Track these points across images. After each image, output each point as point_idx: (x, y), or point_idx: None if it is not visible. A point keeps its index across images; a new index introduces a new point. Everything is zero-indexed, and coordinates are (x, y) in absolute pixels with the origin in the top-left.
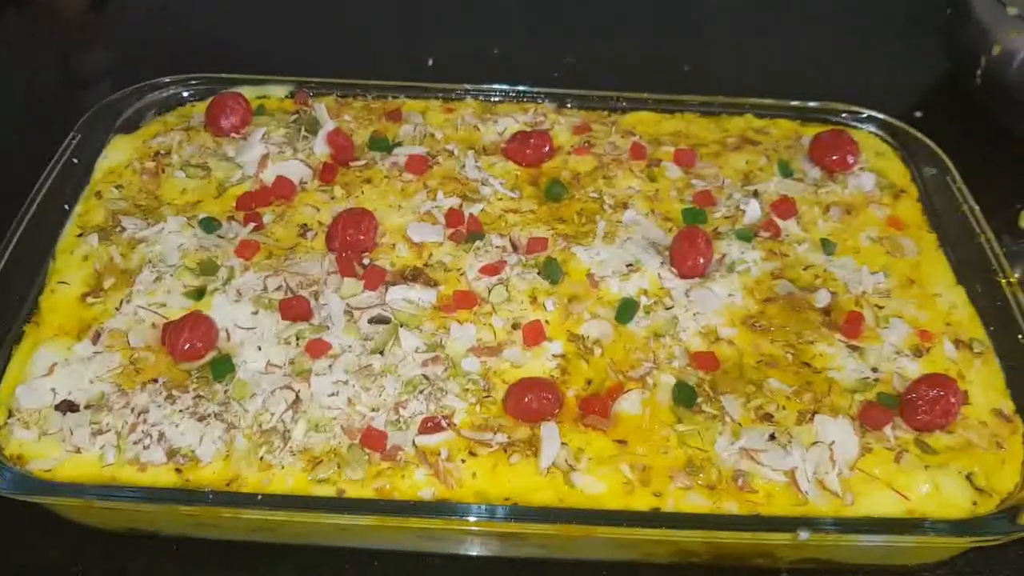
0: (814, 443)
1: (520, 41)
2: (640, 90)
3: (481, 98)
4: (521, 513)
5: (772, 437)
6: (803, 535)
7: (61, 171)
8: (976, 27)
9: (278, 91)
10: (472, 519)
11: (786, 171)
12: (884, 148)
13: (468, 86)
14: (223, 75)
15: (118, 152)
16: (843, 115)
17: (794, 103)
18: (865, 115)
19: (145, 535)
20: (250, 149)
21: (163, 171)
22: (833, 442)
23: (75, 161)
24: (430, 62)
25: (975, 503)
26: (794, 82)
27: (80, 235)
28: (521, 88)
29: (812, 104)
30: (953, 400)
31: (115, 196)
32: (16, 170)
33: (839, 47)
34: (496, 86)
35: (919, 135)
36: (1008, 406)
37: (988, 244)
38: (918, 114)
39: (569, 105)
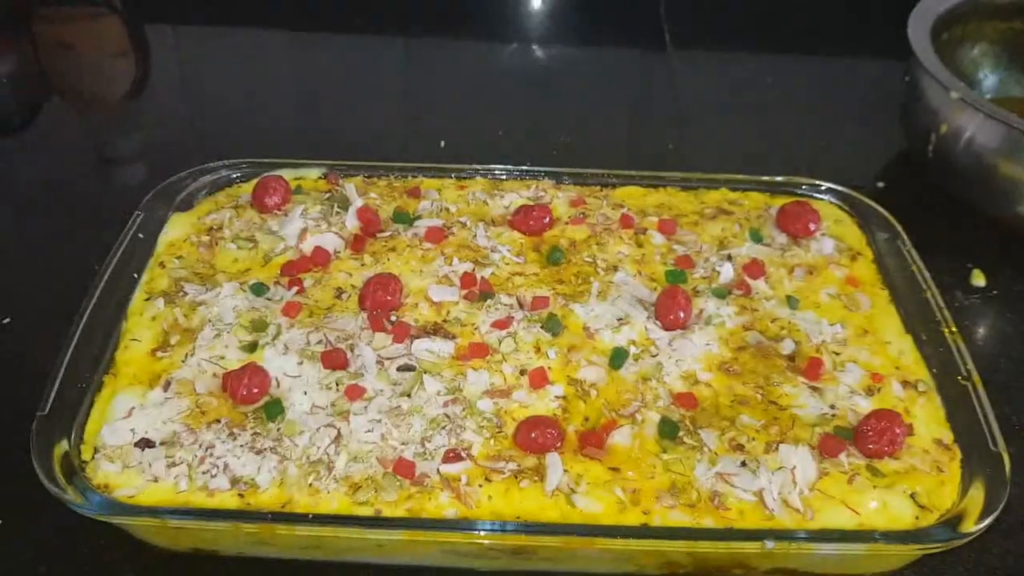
0: (779, 468)
1: (521, 123)
2: (628, 165)
3: (489, 176)
4: (530, 528)
5: (743, 464)
6: (769, 544)
7: (128, 245)
8: (926, 109)
9: (313, 173)
10: (488, 532)
11: (756, 237)
12: (842, 216)
13: (478, 166)
14: (266, 160)
15: (176, 228)
16: (804, 187)
17: (764, 178)
18: (824, 187)
19: (207, 554)
20: (291, 223)
21: (217, 244)
22: (795, 467)
23: (140, 236)
24: (442, 144)
25: (917, 518)
26: (770, 159)
27: (147, 299)
28: (524, 168)
29: (779, 179)
30: (898, 431)
31: (176, 266)
32: (79, 246)
33: (810, 127)
34: (502, 166)
35: (873, 204)
36: (948, 436)
37: (933, 299)
38: (881, 184)
39: (566, 181)
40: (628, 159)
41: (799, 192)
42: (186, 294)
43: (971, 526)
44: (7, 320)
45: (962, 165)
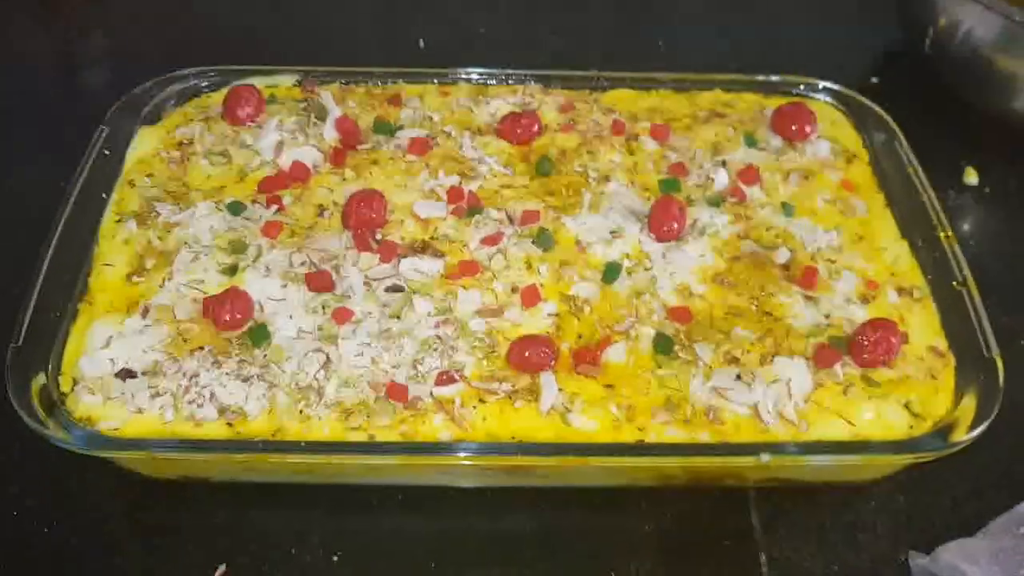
0: (774, 380)
1: (504, 19)
2: (618, 64)
3: (474, 81)
4: (526, 448)
5: (738, 377)
6: (765, 458)
7: (95, 162)
8: (924, 2)
9: (286, 80)
10: (484, 455)
11: (751, 142)
12: (838, 116)
13: (461, 70)
14: (236, 67)
15: (145, 143)
16: (801, 87)
17: (758, 78)
18: (820, 86)
19: (197, 480)
20: (266, 136)
21: (188, 159)
22: (790, 379)
23: (107, 153)
24: (421, 44)
25: (911, 427)
26: (762, 54)
27: (119, 221)
28: (510, 71)
29: (774, 78)
30: (894, 340)
31: (147, 184)
32: (42, 161)
33: (802, 19)
34: (486, 69)
35: (869, 103)
36: (942, 343)
37: (929, 202)
38: (875, 80)
39: (555, 85)
40: (617, 59)
41: (795, 92)
42: (159, 214)
43: (963, 435)
44: None
45: (959, 59)
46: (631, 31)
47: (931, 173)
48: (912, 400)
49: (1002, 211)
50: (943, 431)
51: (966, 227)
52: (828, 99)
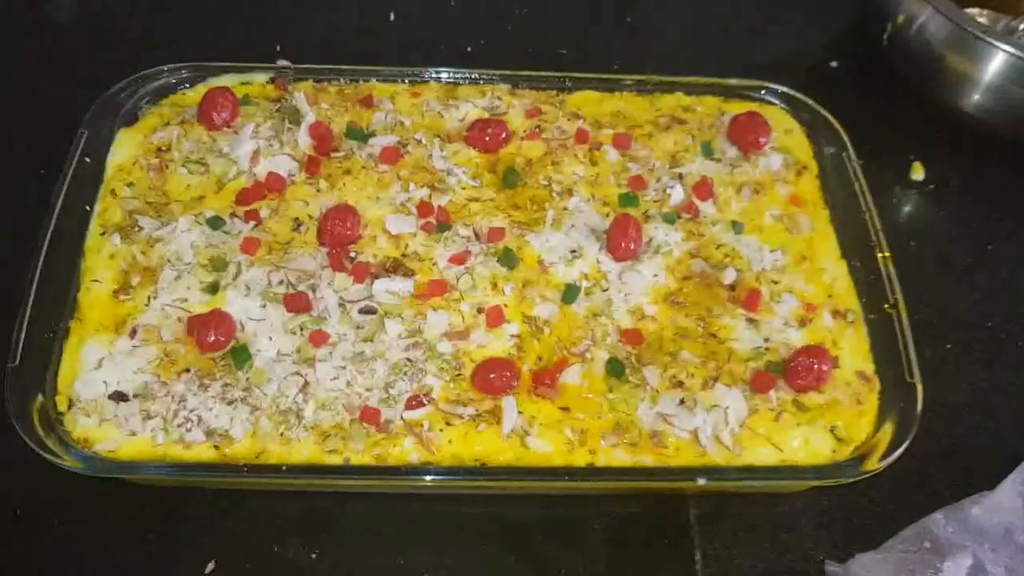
0: (714, 406)
1: None
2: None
3: (444, 80)
4: (487, 473)
5: (682, 402)
6: (701, 481)
7: (76, 170)
8: None
9: (259, 77)
10: (449, 479)
11: (708, 151)
12: (793, 125)
13: (432, 69)
14: (209, 64)
15: (124, 148)
16: (762, 92)
17: (718, 81)
18: (780, 92)
19: (189, 487)
20: (242, 144)
21: (167, 167)
22: (728, 407)
23: (88, 160)
24: (391, 16)
25: (834, 451)
26: (723, 29)
27: (103, 234)
28: (480, 72)
29: (733, 82)
30: (825, 368)
31: (128, 195)
32: (19, 151)
33: None
34: (456, 70)
35: (826, 114)
36: (869, 368)
37: (871, 221)
38: (834, 64)
39: (522, 86)
40: (580, 36)
41: (754, 97)
42: (141, 229)
43: (875, 463)
44: None
45: (914, 54)
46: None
47: (879, 166)
48: (837, 425)
49: (941, 209)
50: (859, 458)
51: (908, 226)
52: (784, 105)
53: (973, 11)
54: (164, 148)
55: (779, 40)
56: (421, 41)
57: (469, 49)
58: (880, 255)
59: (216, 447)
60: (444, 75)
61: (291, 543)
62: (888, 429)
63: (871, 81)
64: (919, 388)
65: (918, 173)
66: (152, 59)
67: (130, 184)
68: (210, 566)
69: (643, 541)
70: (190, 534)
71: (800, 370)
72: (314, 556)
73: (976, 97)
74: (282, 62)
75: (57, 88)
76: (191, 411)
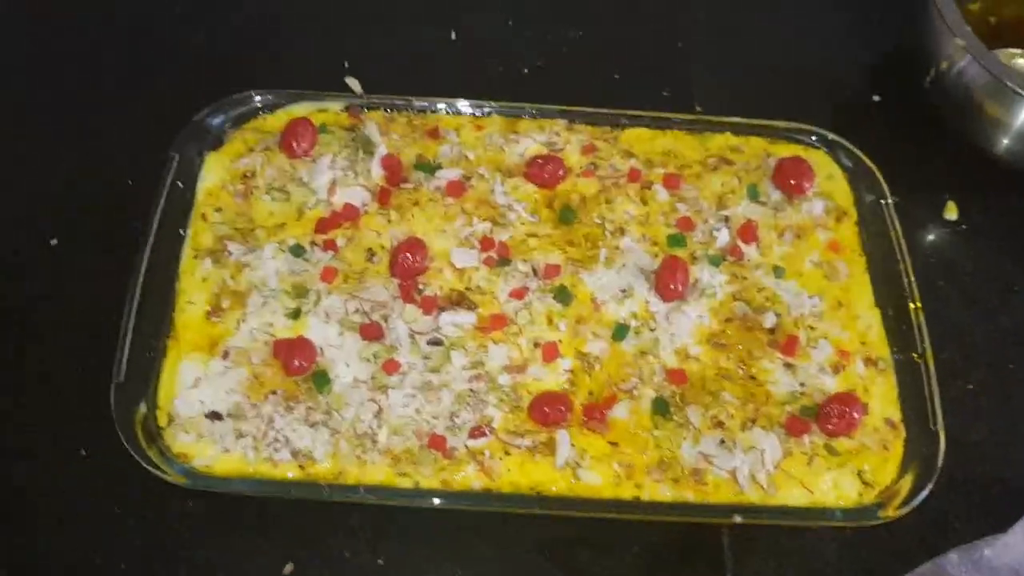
0: (751, 448)
1: (532, 15)
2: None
3: (506, 114)
4: (545, 502)
5: (722, 442)
6: (737, 519)
7: (169, 194)
8: (930, 45)
9: (334, 105)
10: (509, 505)
11: (753, 194)
12: (835, 170)
13: (494, 103)
14: (288, 91)
15: (212, 173)
16: (813, 138)
17: (765, 122)
18: (824, 136)
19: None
20: (320, 175)
21: (252, 193)
22: (764, 449)
23: (180, 184)
24: (453, 35)
25: (861, 494)
26: (765, 47)
27: (196, 257)
28: (539, 106)
29: (780, 124)
30: (856, 416)
31: (218, 220)
32: (114, 174)
33: (807, 14)
34: (519, 104)
35: (868, 161)
36: (896, 415)
37: (905, 271)
38: (876, 98)
39: (578, 121)
40: (632, 60)
41: (798, 140)
42: (230, 253)
43: (894, 510)
44: (54, 241)
45: (954, 98)
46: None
47: (915, 203)
48: (864, 469)
49: (972, 251)
50: (882, 504)
51: (939, 267)
52: (828, 150)
53: (1015, 51)
54: (249, 175)
55: (822, 69)
56: (480, 61)
57: (526, 71)
58: (912, 306)
59: (301, 466)
60: (505, 111)
61: (361, 550)
62: (910, 477)
63: (911, 118)
64: (942, 437)
65: (952, 213)
66: (218, 81)
67: (219, 209)
68: (288, 567)
69: (678, 565)
70: (273, 538)
71: (833, 416)
72: (380, 562)
73: (1006, 142)
74: (351, 80)
75: (138, 108)
76: (278, 432)
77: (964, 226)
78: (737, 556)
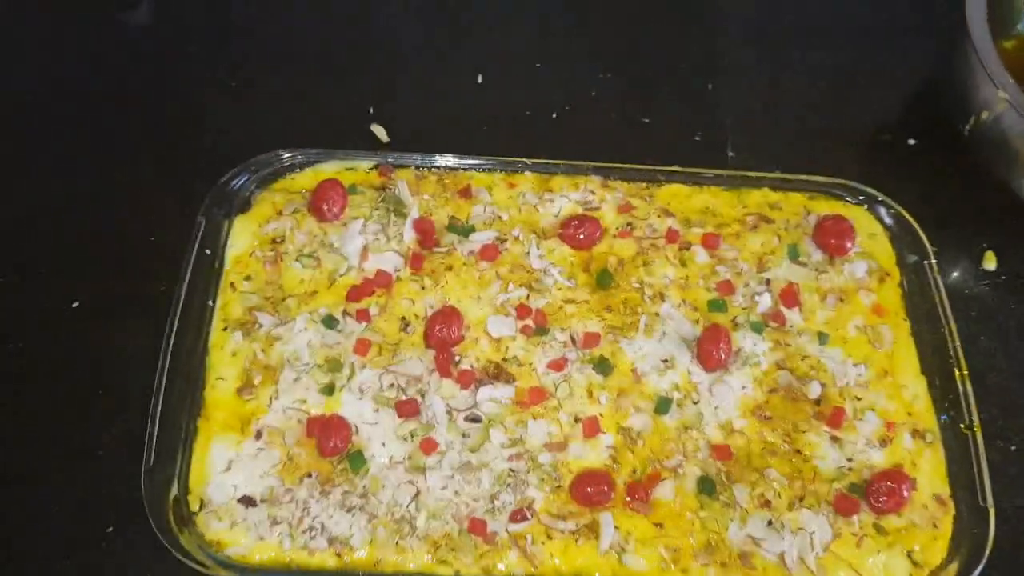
0: (800, 529)
1: (560, 56)
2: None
3: (540, 171)
4: None
5: (769, 523)
6: None
7: (195, 260)
8: (971, 94)
9: (363, 164)
10: None
11: (794, 254)
12: (876, 228)
13: (527, 160)
14: (316, 150)
15: (240, 239)
16: (860, 198)
17: (804, 177)
18: (864, 192)
19: None
20: (351, 240)
21: (281, 259)
22: (813, 532)
23: (208, 252)
24: (480, 79)
25: (910, 575)
26: (796, 87)
27: (225, 329)
28: (571, 162)
29: (820, 179)
30: (905, 494)
31: (247, 289)
32: (138, 235)
33: (841, 54)
34: (551, 161)
35: (910, 219)
36: (945, 491)
37: (950, 336)
38: (912, 142)
39: (613, 177)
40: (661, 102)
41: (838, 195)
42: (261, 326)
43: None
44: (76, 304)
45: (993, 147)
46: (681, 71)
47: (953, 255)
48: (914, 549)
49: (1013, 303)
50: None
51: (978, 315)
52: (868, 207)
53: None
54: (278, 240)
55: (855, 110)
56: (508, 105)
57: (555, 115)
58: (959, 373)
59: (338, 554)
60: (539, 167)
61: None
62: (963, 554)
63: (947, 164)
64: (992, 515)
65: (990, 263)
66: (248, 137)
67: (248, 278)
68: None
69: None
70: None
71: (881, 494)
72: None
73: None
74: (377, 128)
75: (164, 167)
76: (314, 518)
77: (1003, 277)
78: None
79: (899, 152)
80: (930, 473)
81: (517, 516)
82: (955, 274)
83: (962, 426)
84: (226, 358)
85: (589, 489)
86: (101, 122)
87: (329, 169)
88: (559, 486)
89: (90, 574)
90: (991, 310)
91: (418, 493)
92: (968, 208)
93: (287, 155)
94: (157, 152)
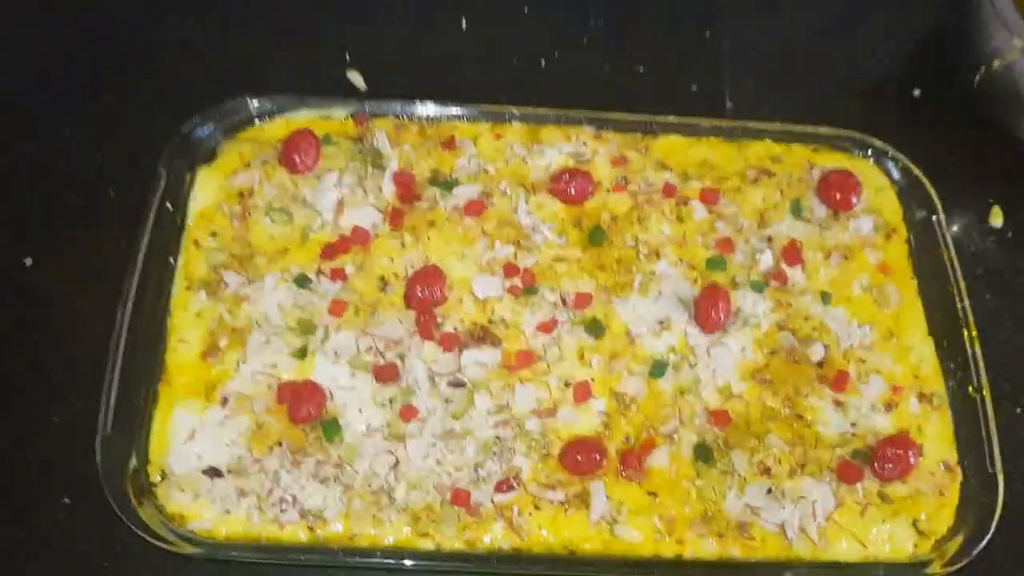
0: (801, 498)
1: (549, 2)
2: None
3: (528, 121)
4: (579, 565)
5: (769, 491)
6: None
7: (156, 214)
8: (983, 43)
9: (339, 113)
10: (545, 570)
11: (797, 210)
12: (884, 182)
13: (515, 110)
14: (285, 96)
15: (205, 191)
16: (869, 152)
17: (808, 129)
18: (871, 145)
19: None
20: (325, 194)
21: (249, 214)
22: (815, 500)
23: (170, 207)
24: (464, 24)
25: (916, 545)
26: (797, 33)
27: (188, 288)
28: (562, 111)
29: (824, 131)
30: (912, 459)
31: (212, 246)
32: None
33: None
34: (540, 110)
35: (919, 174)
36: (953, 457)
37: (959, 297)
38: (916, 92)
39: (607, 128)
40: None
41: (843, 148)
42: (227, 285)
43: (940, 570)
44: (28, 261)
45: (1003, 99)
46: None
47: (958, 208)
48: (920, 518)
49: (1020, 257)
50: (933, 559)
51: (984, 272)
52: (875, 161)
53: None
54: (246, 193)
55: (858, 58)
56: (494, 52)
57: (543, 63)
58: (967, 334)
59: (311, 528)
60: (528, 116)
61: None
62: (968, 523)
63: (953, 116)
64: (1000, 481)
65: (997, 219)
66: (212, 80)
67: (213, 234)
68: None
69: None
70: None
71: (887, 461)
72: None
73: None
74: (354, 75)
75: (120, 114)
76: (285, 490)
77: (1010, 233)
78: None
79: (903, 103)
80: (937, 439)
81: (503, 486)
82: (961, 231)
83: (970, 389)
84: (189, 319)
85: (579, 457)
86: (49, 62)
87: (301, 118)
88: (548, 454)
89: (44, 547)
90: (998, 265)
91: (397, 463)
92: (973, 162)
93: (255, 102)
94: (113, 98)
